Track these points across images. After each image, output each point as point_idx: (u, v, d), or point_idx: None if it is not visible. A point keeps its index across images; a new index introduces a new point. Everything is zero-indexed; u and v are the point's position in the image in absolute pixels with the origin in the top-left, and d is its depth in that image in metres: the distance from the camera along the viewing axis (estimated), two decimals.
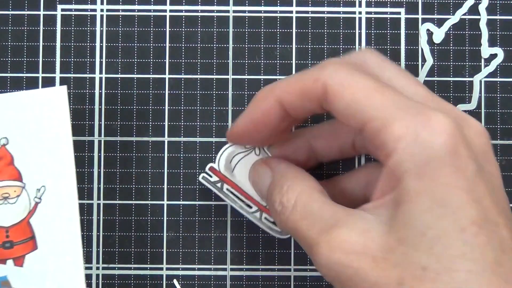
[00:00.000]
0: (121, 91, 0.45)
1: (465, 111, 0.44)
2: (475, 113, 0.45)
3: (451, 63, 0.45)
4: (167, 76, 0.45)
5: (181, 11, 0.45)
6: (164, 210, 0.44)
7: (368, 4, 0.46)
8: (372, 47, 0.45)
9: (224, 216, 0.45)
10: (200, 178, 0.42)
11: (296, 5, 0.46)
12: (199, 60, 0.45)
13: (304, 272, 0.44)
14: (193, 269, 0.44)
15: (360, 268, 0.28)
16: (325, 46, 0.45)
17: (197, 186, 0.44)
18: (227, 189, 0.42)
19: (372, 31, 0.45)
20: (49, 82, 0.45)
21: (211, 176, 0.42)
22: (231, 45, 0.45)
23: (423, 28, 0.45)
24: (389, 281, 0.26)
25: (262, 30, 0.45)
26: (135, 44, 0.45)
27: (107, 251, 0.44)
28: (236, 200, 0.42)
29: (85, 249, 0.44)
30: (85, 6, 0.45)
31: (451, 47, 0.45)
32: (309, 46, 0.45)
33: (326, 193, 0.34)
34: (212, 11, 0.45)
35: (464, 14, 0.46)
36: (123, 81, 0.45)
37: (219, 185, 0.42)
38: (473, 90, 0.45)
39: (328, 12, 0.45)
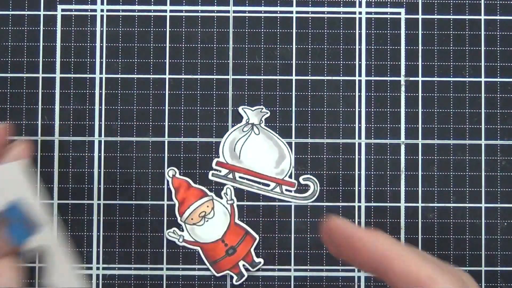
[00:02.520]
0: (121, 91, 0.45)
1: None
2: (475, 113, 0.45)
3: (451, 63, 0.45)
4: (167, 76, 0.45)
5: (181, 11, 0.45)
6: (164, 210, 0.44)
7: (368, 4, 0.46)
8: (372, 47, 0.45)
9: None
10: (210, 176, 0.42)
11: (296, 5, 0.46)
12: (199, 60, 0.45)
13: (304, 272, 0.44)
14: (193, 269, 0.44)
15: None
16: (325, 46, 0.45)
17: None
18: (240, 177, 0.42)
19: (372, 31, 0.45)
20: (49, 82, 0.45)
21: (220, 171, 0.42)
22: (231, 45, 0.45)
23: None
24: None
25: (262, 30, 0.45)
26: (135, 44, 0.45)
27: (107, 251, 0.44)
28: (253, 184, 0.42)
29: (85, 249, 0.44)
30: (85, 6, 0.45)
31: (451, 47, 0.45)
32: (309, 46, 0.45)
33: None
34: (212, 11, 0.45)
35: (464, 14, 0.46)
36: (123, 81, 0.45)
37: (230, 176, 0.42)
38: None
39: (328, 12, 0.45)
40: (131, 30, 0.45)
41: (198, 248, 0.44)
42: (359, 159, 0.45)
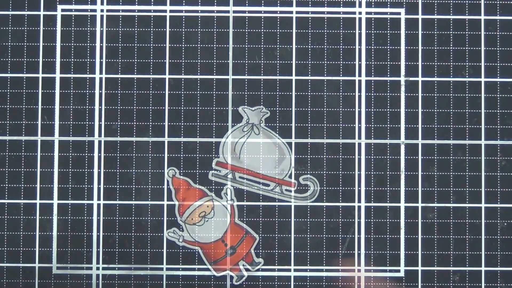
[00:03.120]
0: (121, 91, 0.45)
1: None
2: (475, 113, 0.45)
3: (451, 63, 0.45)
4: (167, 76, 0.45)
5: (181, 11, 0.45)
6: (164, 210, 0.44)
7: (368, 4, 0.46)
8: (372, 47, 0.45)
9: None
10: (210, 176, 0.42)
11: (296, 5, 0.46)
12: (199, 60, 0.45)
13: (304, 272, 0.44)
14: (193, 269, 0.44)
15: None
16: (325, 46, 0.45)
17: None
18: (240, 177, 0.42)
19: (372, 31, 0.45)
20: (49, 82, 0.45)
21: (219, 171, 0.42)
22: (231, 45, 0.45)
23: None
24: None
25: (262, 30, 0.45)
26: (135, 44, 0.45)
27: (107, 251, 0.44)
28: (253, 184, 0.42)
29: (85, 249, 0.44)
30: (85, 6, 0.45)
31: (451, 47, 0.45)
32: (309, 46, 0.45)
33: None
34: (212, 11, 0.45)
35: (464, 14, 0.46)
36: (123, 81, 0.45)
37: (230, 176, 0.42)
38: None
39: (328, 12, 0.45)
40: (131, 30, 0.45)
41: (198, 248, 0.44)
42: (359, 159, 0.45)
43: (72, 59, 0.45)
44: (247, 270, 0.43)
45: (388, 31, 0.45)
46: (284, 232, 0.44)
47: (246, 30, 0.45)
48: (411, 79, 0.45)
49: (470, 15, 0.46)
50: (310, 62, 0.45)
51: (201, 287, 0.44)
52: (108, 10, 0.45)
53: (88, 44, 0.45)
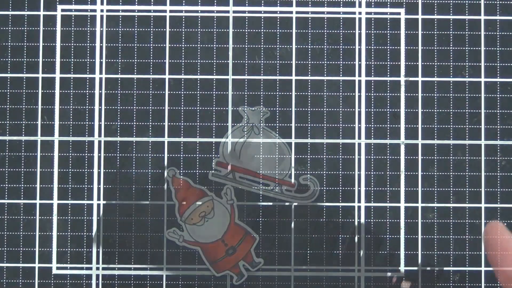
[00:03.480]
0: (121, 91, 0.45)
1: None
2: (475, 113, 0.45)
3: (451, 63, 0.45)
4: (167, 76, 0.45)
5: (181, 11, 0.45)
6: (164, 210, 0.44)
7: (368, 4, 0.46)
8: (372, 47, 0.45)
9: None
10: (210, 176, 0.42)
11: (296, 5, 0.46)
12: (199, 60, 0.45)
13: (304, 272, 0.44)
14: (193, 269, 0.44)
15: None
16: (325, 46, 0.45)
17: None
18: (240, 177, 0.42)
19: (372, 31, 0.45)
20: (49, 82, 0.45)
21: (220, 171, 0.42)
22: (231, 45, 0.45)
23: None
24: None
25: (262, 30, 0.45)
26: (135, 44, 0.45)
27: (107, 251, 0.44)
28: (253, 184, 0.42)
29: (85, 249, 0.44)
30: (85, 6, 0.45)
31: (451, 47, 0.46)
32: (309, 46, 0.45)
33: None
34: (212, 11, 0.45)
35: (464, 14, 0.46)
36: (123, 81, 0.45)
37: (230, 176, 0.42)
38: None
39: (328, 12, 0.45)
40: (131, 30, 0.45)
41: (198, 248, 0.44)
42: (359, 159, 0.45)
43: (72, 59, 0.45)
44: (247, 270, 0.43)
45: (388, 31, 0.45)
46: (284, 232, 0.44)
47: (246, 30, 0.45)
48: (411, 79, 0.45)
49: (470, 15, 0.46)
50: (310, 62, 0.45)
51: (201, 287, 0.44)
52: (108, 10, 0.45)
53: (88, 44, 0.45)
